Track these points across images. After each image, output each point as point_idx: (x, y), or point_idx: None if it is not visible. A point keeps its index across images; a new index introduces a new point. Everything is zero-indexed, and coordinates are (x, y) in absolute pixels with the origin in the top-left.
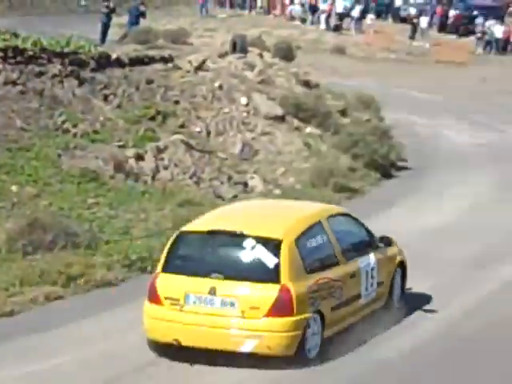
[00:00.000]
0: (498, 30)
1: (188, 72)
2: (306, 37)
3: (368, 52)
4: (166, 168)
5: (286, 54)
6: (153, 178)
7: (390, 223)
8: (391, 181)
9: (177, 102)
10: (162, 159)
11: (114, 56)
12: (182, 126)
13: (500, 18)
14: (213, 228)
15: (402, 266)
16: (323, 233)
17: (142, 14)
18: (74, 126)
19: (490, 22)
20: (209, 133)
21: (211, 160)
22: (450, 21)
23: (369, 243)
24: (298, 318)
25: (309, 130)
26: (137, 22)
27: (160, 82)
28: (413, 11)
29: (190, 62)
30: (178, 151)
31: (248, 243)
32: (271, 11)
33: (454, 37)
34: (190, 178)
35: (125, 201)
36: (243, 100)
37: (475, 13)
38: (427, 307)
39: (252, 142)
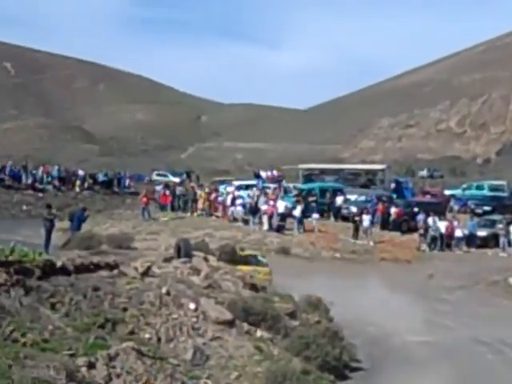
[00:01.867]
0: (440, 226)
1: (134, 278)
2: (250, 238)
3: (312, 251)
4: (118, 376)
5: (231, 256)
6: None
7: None
8: (345, 382)
9: (125, 309)
10: (114, 367)
11: (59, 264)
12: (131, 333)
13: (441, 214)
14: None
15: None
16: None
17: (84, 219)
18: (23, 335)
19: (433, 218)
20: (159, 339)
21: (163, 366)
22: (391, 218)
23: None
24: None
25: (259, 333)
26: (79, 227)
27: (107, 289)
28: (354, 209)
29: (135, 268)
30: (130, 358)
31: None
32: (212, 213)
33: (397, 234)
34: None
35: None
36: (191, 305)
37: (416, 209)
38: None
39: (203, 347)
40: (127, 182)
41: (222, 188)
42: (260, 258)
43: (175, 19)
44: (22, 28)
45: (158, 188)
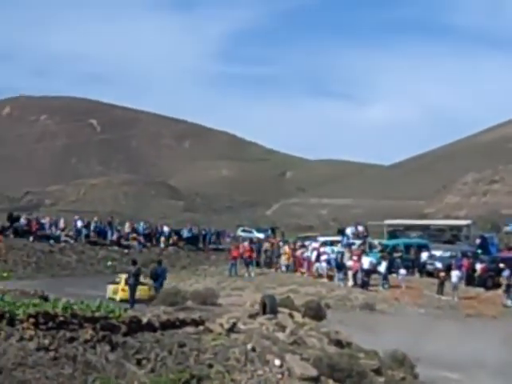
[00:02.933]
0: None
1: (220, 334)
2: (334, 293)
3: (397, 307)
4: None
5: (316, 312)
6: None
7: None
8: None
9: (210, 366)
10: None
11: (144, 320)
12: None
13: None
14: None
15: None
16: None
17: (165, 276)
18: None
19: None
20: None
21: None
22: (477, 274)
23: None
24: None
25: None
26: (161, 284)
27: (192, 345)
28: (439, 265)
29: (221, 324)
30: None
31: None
32: (297, 269)
33: (481, 290)
34: None
35: None
36: (277, 362)
37: (501, 265)
38: None
39: None
40: (210, 237)
41: (307, 244)
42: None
43: (261, 75)
44: (107, 85)
45: (244, 244)
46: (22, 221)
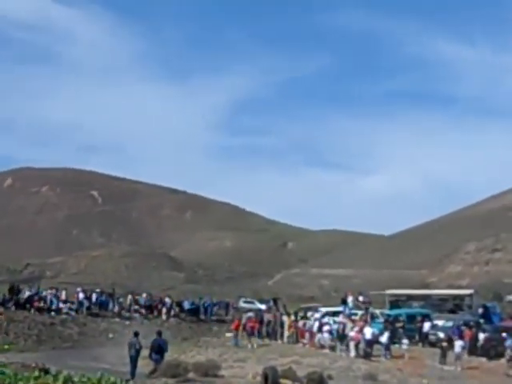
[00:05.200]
0: None
1: None
2: (337, 364)
3: (400, 378)
4: None
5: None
6: None
7: None
8: None
9: None
10: None
11: None
12: None
13: None
14: None
15: None
16: None
17: (166, 349)
18: None
19: None
20: None
21: None
22: (479, 344)
23: None
24: None
25: None
26: (162, 357)
27: None
28: (441, 335)
29: None
30: None
31: None
32: (299, 340)
33: (484, 359)
34: None
35: None
36: None
37: (504, 335)
38: None
39: None
40: (215, 309)
41: (308, 315)
42: None
43: (260, 145)
44: (107, 156)
45: (248, 315)
46: (27, 293)
